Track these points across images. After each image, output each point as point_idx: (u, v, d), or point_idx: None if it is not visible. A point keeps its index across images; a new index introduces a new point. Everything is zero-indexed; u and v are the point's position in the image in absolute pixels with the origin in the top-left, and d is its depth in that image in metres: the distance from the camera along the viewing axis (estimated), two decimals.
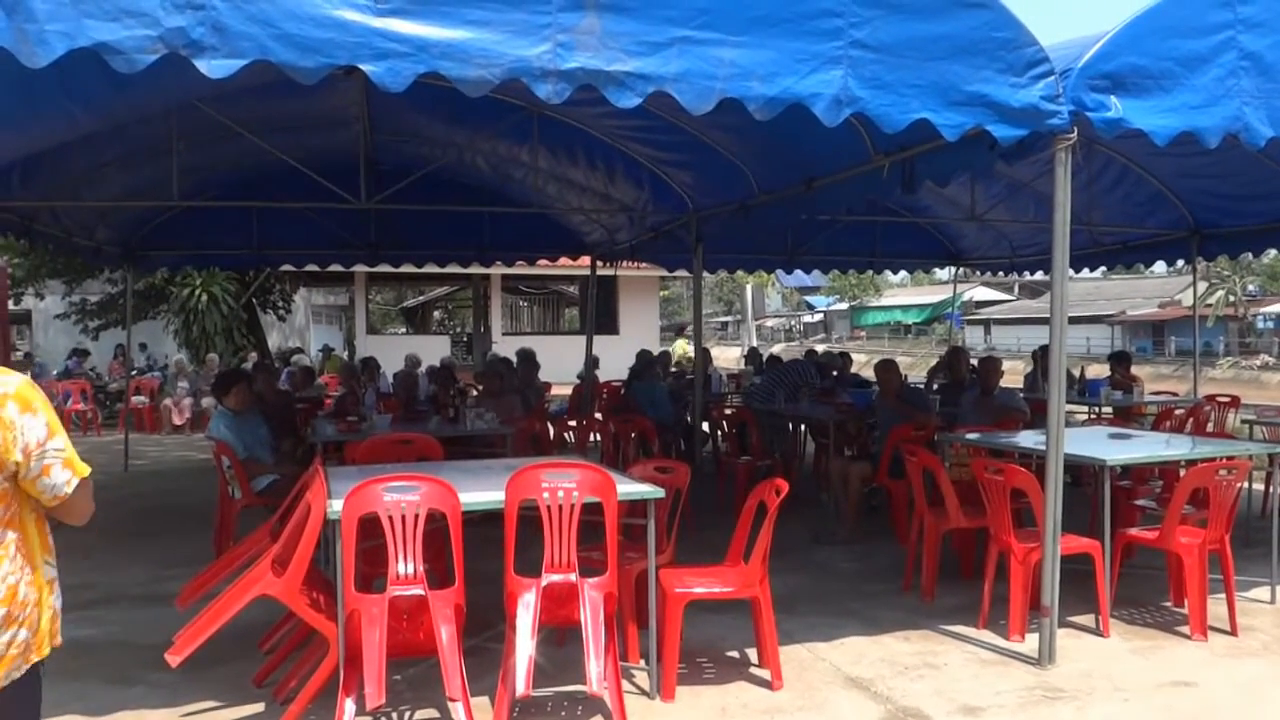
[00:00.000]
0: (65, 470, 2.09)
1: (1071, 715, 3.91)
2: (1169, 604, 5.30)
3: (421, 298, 35.47)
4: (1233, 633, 4.85)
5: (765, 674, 4.19)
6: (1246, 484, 5.58)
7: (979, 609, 4.94)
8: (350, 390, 9.66)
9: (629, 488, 4.09)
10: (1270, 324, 40.46)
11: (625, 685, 3.95)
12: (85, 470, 2.15)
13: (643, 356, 10.06)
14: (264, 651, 4.31)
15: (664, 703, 3.95)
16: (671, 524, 4.52)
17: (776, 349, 31.79)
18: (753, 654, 4.42)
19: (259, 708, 3.87)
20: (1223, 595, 4.97)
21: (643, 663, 4.22)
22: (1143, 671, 4.39)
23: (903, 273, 13.97)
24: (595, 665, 3.56)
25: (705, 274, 10.32)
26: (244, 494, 6.15)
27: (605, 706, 3.79)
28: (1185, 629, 4.88)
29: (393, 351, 16.63)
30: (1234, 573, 5.01)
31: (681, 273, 13.49)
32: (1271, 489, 7.23)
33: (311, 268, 13.40)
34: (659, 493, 4.09)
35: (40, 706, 2.23)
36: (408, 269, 13.00)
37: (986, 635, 4.80)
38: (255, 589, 3.69)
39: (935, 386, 9.21)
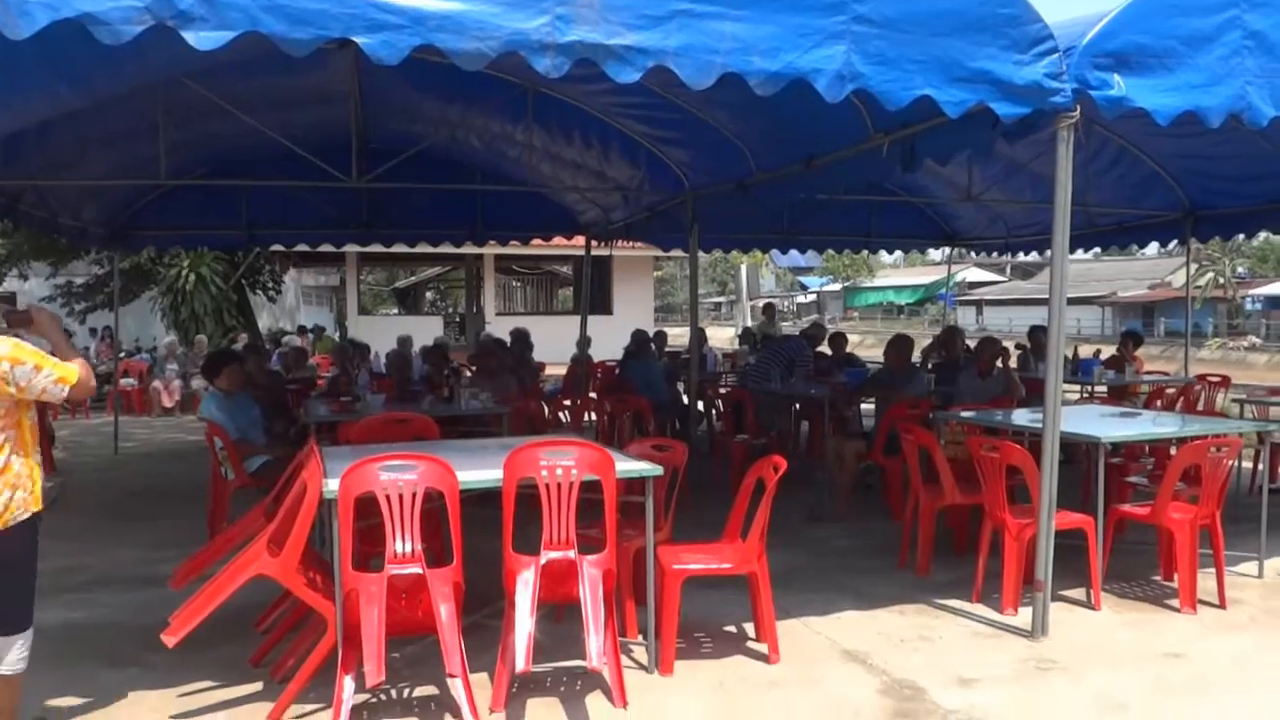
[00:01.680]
0: (58, 385, 3.19)
1: (1064, 686, 3.94)
2: (1159, 578, 5.36)
3: (413, 278, 35.36)
4: (1221, 606, 4.91)
5: (763, 648, 4.22)
6: (1236, 461, 5.63)
7: (973, 584, 4.98)
8: (343, 371, 9.64)
9: (627, 465, 4.09)
10: (1258, 305, 40.64)
11: (624, 660, 3.97)
12: (73, 376, 3.21)
13: (638, 336, 10.05)
14: (260, 632, 4.31)
15: (662, 677, 3.97)
16: (669, 502, 4.53)
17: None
18: (750, 629, 4.44)
19: (256, 687, 3.87)
20: (1212, 569, 5.02)
21: (641, 638, 4.24)
22: (1134, 644, 4.43)
23: (897, 253, 13.99)
24: (595, 641, 3.56)
25: (700, 254, 10.30)
26: (237, 475, 6.13)
27: (604, 681, 3.81)
28: (1175, 602, 4.93)
29: (384, 332, 16.58)
30: (1223, 548, 5.07)
31: (676, 253, 13.47)
32: (1260, 467, 7.29)
33: (302, 248, 13.31)
34: (657, 470, 4.10)
35: (37, 544, 3.26)
36: (399, 249, 12.94)
37: (981, 609, 4.84)
38: (251, 569, 3.68)
39: (930, 365, 9.24)
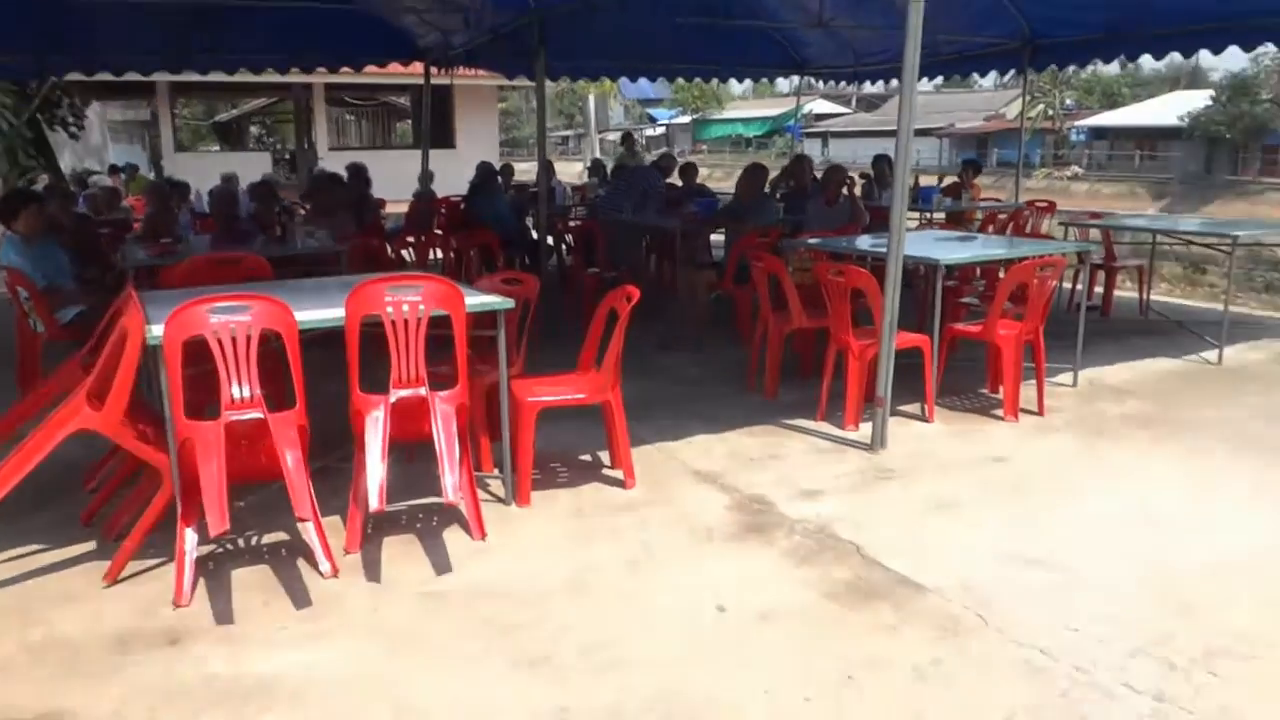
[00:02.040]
0: None
1: (899, 491, 4.22)
2: (986, 391, 5.73)
3: (235, 111, 32.78)
4: (1040, 413, 5.32)
5: (618, 474, 4.30)
6: (1059, 282, 5.99)
7: (818, 403, 5.19)
8: (161, 211, 8.89)
9: (477, 299, 3.96)
10: (1082, 136, 42.85)
11: (481, 494, 3.97)
12: None
13: (483, 169, 9.67)
14: (89, 490, 4.07)
15: (520, 508, 4.01)
16: (521, 336, 4.46)
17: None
18: (605, 457, 4.51)
19: (89, 546, 3.66)
20: (1034, 381, 5.40)
21: (497, 472, 4.24)
22: (963, 450, 4.76)
23: (746, 84, 13.86)
24: (450, 476, 3.51)
25: (546, 83, 9.85)
26: (48, 327, 5.62)
27: (462, 516, 3.80)
28: (1000, 412, 5.31)
29: (206, 170, 15.37)
30: (1045, 361, 5.45)
31: (521, 81, 12.83)
32: (1079, 286, 7.81)
33: (105, 77, 11.95)
34: (508, 303, 3.99)
35: None
36: (217, 78, 11.82)
37: (824, 427, 5.06)
38: (71, 424, 3.41)
39: (779, 195, 9.32)
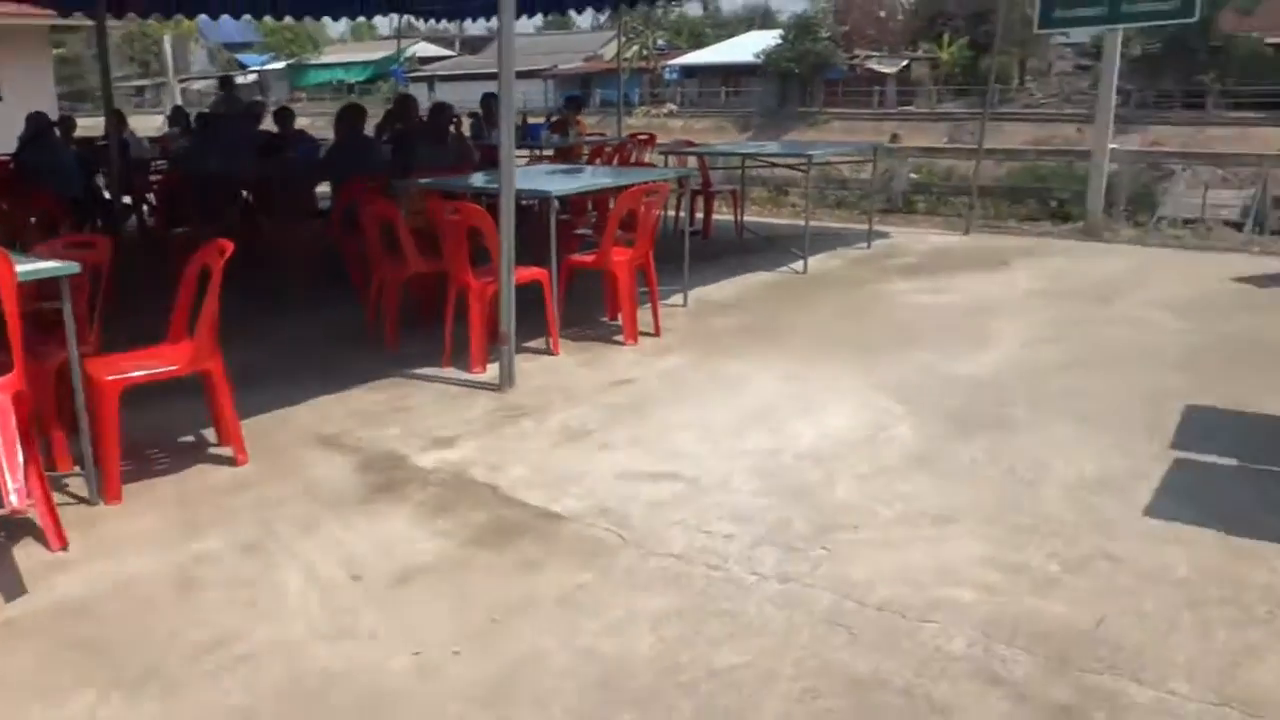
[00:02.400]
0: None
1: (532, 426, 4.23)
2: (605, 319, 5.93)
3: None
4: (657, 334, 5.62)
5: (228, 452, 3.87)
6: (664, 211, 6.30)
7: (442, 349, 5.05)
8: None
9: (30, 266, 3.33)
10: (675, 75, 45.89)
11: (58, 497, 3.38)
12: None
13: (37, 119, 8.27)
14: None
15: (110, 505, 3.47)
16: (94, 307, 3.85)
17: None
18: (211, 435, 4.05)
19: None
20: (649, 305, 5.67)
21: (78, 468, 3.63)
22: (589, 379, 4.89)
23: (344, 23, 13.07)
24: (11, 480, 2.94)
25: (112, 22, 8.57)
26: None
27: (34, 525, 3.22)
28: (620, 337, 5.52)
29: None
30: (657, 284, 5.73)
31: (80, 19, 11.08)
32: (681, 213, 8.32)
33: None
34: (73, 268, 3.39)
35: None
36: None
37: (451, 372, 4.95)
38: None
39: (385, 138, 8.92)
